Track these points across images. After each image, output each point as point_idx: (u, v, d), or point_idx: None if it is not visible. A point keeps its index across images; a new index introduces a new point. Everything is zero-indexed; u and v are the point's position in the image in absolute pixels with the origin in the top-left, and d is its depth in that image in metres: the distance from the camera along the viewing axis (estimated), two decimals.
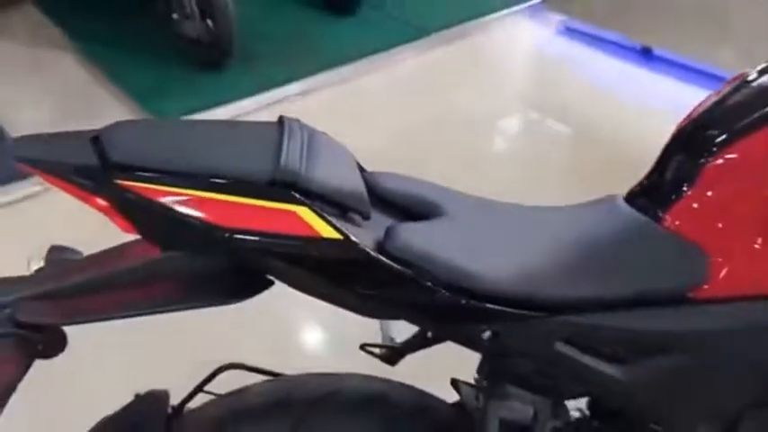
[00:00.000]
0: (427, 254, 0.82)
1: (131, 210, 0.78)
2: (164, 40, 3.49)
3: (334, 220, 0.77)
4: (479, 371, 0.99)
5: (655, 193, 0.99)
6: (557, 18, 3.88)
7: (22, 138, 0.82)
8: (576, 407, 1.10)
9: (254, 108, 3.19)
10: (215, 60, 3.36)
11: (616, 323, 0.89)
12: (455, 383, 1.12)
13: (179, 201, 0.75)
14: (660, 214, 0.94)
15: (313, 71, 3.41)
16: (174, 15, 3.30)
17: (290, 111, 2.86)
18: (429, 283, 0.82)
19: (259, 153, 0.81)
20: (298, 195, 0.76)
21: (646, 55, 3.64)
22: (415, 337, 1.09)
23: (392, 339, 1.17)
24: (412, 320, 0.90)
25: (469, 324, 0.86)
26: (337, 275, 0.81)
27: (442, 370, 1.15)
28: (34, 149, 0.80)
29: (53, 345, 0.93)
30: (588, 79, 3.54)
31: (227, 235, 0.74)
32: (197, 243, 0.79)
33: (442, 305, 0.83)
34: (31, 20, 4.06)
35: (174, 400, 1.08)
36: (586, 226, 0.96)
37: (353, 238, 0.77)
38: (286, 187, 0.77)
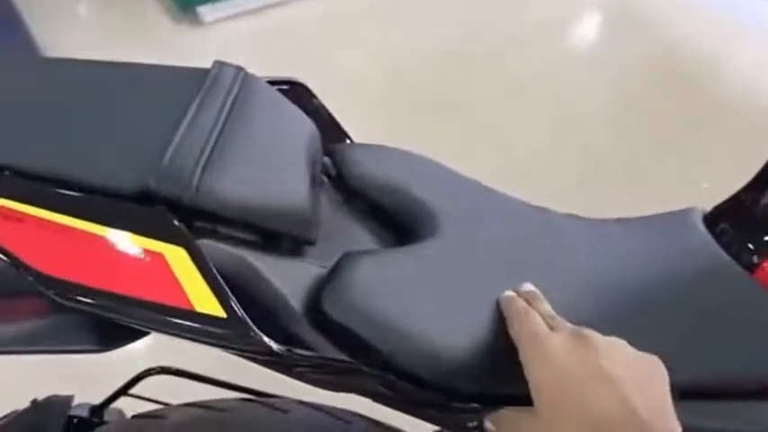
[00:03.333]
0: (384, 324, 0.53)
1: None
2: None
3: (229, 260, 0.49)
4: None
5: (751, 220, 0.67)
6: None
7: None
8: None
9: None
10: None
11: None
12: None
13: None
14: (754, 259, 0.63)
15: None
16: None
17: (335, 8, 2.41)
18: (379, 373, 0.53)
19: (142, 137, 0.52)
20: (176, 223, 0.48)
21: None
22: None
23: None
24: (374, 400, 0.63)
25: (448, 414, 0.58)
26: (247, 356, 0.53)
27: None
28: None
29: None
30: None
31: (52, 292, 0.46)
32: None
33: (404, 397, 0.55)
34: None
35: None
36: (635, 264, 0.65)
37: (245, 319, 0.47)
38: (163, 204, 0.49)
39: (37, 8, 2.39)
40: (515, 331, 0.53)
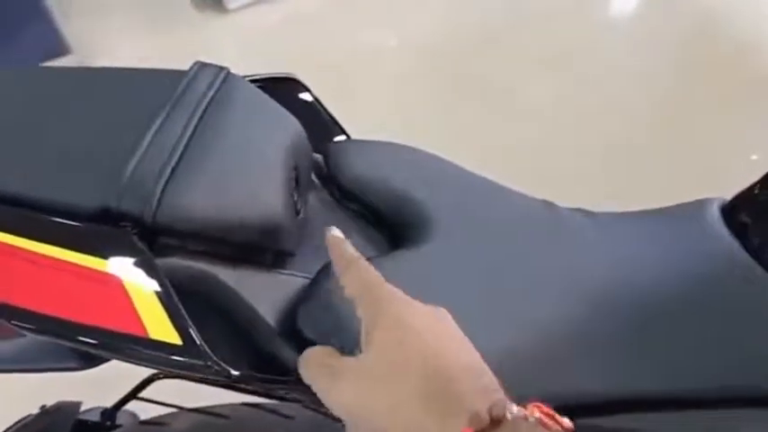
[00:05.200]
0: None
1: None
2: None
3: (198, 277, 0.46)
4: None
5: None
6: None
7: None
8: None
9: None
10: None
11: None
12: None
13: None
14: None
15: None
16: None
17: None
18: None
19: (107, 150, 0.50)
20: (134, 242, 0.45)
21: None
22: None
23: None
24: None
25: None
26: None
27: None
28: None
29: None
30: None
31: (4, 320, 0.44)
32: None
33: None
34: None
35: None
36: (644, 264, 0.60)
37: (203, 347, 0.44)
38: (126, 222, 0.46)
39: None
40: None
